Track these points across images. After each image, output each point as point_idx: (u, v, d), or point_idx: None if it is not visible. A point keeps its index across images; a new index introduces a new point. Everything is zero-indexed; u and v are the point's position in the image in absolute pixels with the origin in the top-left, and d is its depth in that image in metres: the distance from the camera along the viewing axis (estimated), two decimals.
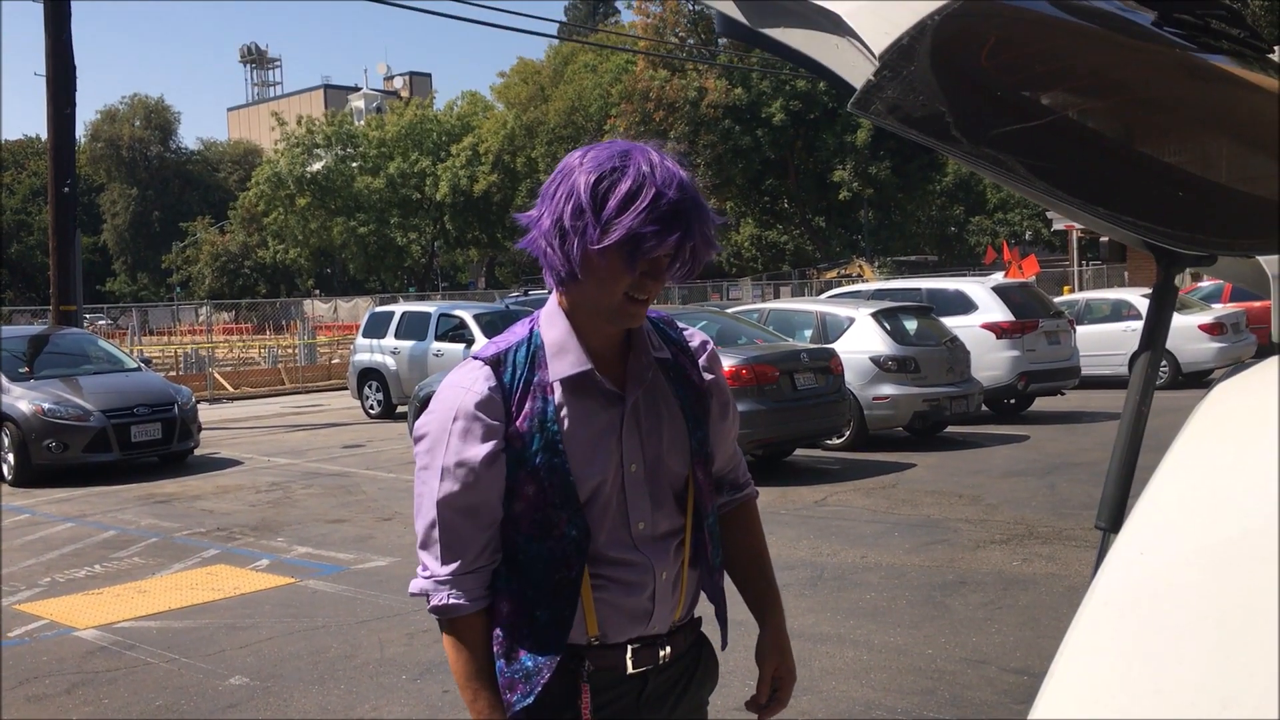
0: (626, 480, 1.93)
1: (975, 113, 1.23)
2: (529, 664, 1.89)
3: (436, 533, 1.90)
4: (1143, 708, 1.02)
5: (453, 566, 1.90)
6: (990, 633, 5.84)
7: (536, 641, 1.90)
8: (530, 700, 1.88)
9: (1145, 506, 1.16)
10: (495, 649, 1.92)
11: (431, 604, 1.92)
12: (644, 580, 1.93)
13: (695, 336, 2.11)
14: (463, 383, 1.90)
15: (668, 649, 2.00)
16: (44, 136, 20.50)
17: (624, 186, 1.75)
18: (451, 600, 1.90)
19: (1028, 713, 1.12)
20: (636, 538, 1.93)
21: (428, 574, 1.92)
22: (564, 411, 1.89)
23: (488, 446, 1.86)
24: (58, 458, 12.14)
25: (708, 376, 2.08)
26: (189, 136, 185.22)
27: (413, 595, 1.96)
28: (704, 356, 2.09)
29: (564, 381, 1.90)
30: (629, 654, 1.95)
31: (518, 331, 1.97)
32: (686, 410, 2.01)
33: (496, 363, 1.91)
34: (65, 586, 7.55)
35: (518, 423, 1.88)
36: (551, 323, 1.93)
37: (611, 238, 1.75)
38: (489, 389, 1.88)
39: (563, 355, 1.90)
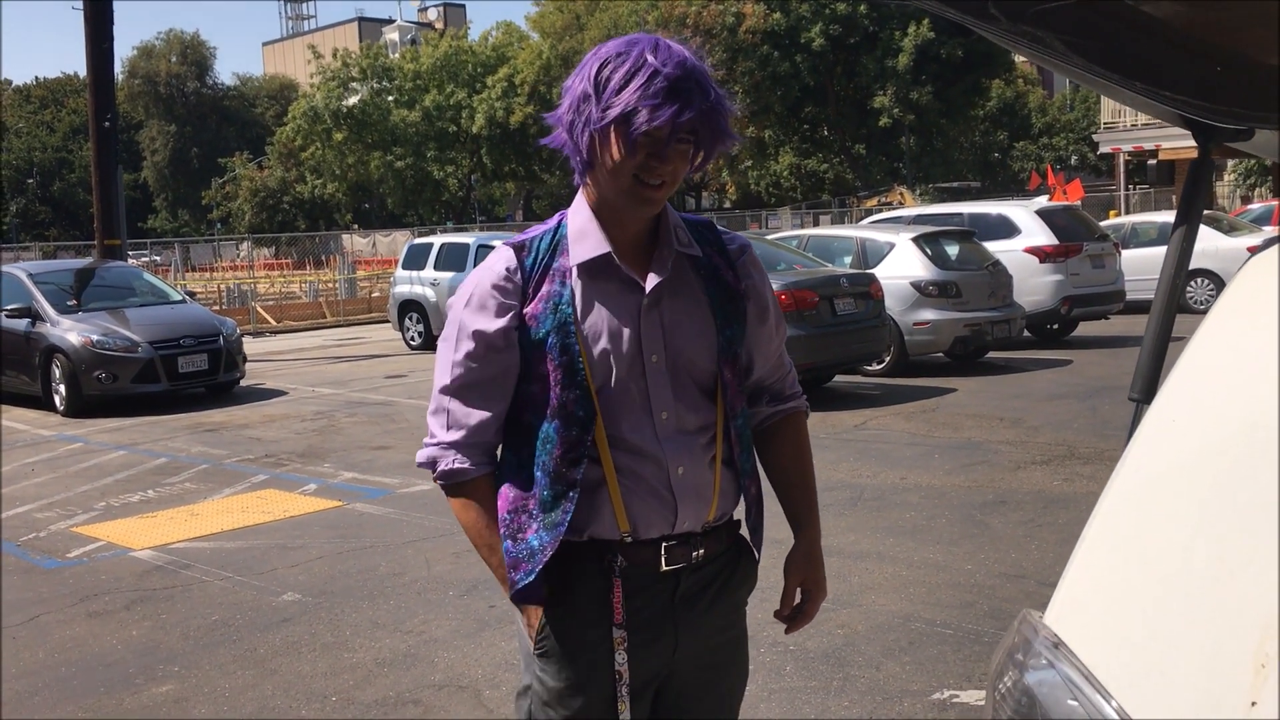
0: (648, 369, 1.96)
1: None
2: (534, 543, 1.96)
3: (446, 400, 2.01)
4: (1172, 566, 1.06)
5: (457, 435, 2.00)
6: (1030, 549, 5.88)
7: (541, 522, 1.95)
8: (531, 578, 1.95)
9: (1178, 378, 1.18)
10: (503, 531, 1.99)
11: (438, 469, 2.02)
12: (659, 473, 1.95)
13: (735, 240, 2.12)
14: (486, 264, 2.01)
15: (701, 549, 2.02)
16: (83, 74, 20.59)
17: (624, 67, 1.81)
18: (456, 465, 2.00)
19: None
20: (659, 429, 1.96)
21: (434, 440, 2.02)
22: (580, 296, 1.94)
23: (499, 323, 1.95)
24: (108, 388, 12.38)
25: (745, 279, 2.08)
26: (225, 72, 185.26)
27: (419, 465, 2.05)
28: (742, 259, 2.10)
29: (582, 266, 1.95)
30: (662, 551, 1.98)
31: (548, 222, 2.04)
32: (716, 308, 2.02)
33: (520, 247, 2.00)
34: (120, 510, 7.75)
35: (533, 304, 1.95)
36: (577, 212, 2.00)
37: (609, 115, 1.81)
38: (507, 269, 1.97)
39: (583, 240, 1.96)
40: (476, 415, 1.99)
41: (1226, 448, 1.09)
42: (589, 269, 1.95)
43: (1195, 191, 1.37)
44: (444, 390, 2.01)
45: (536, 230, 2.03)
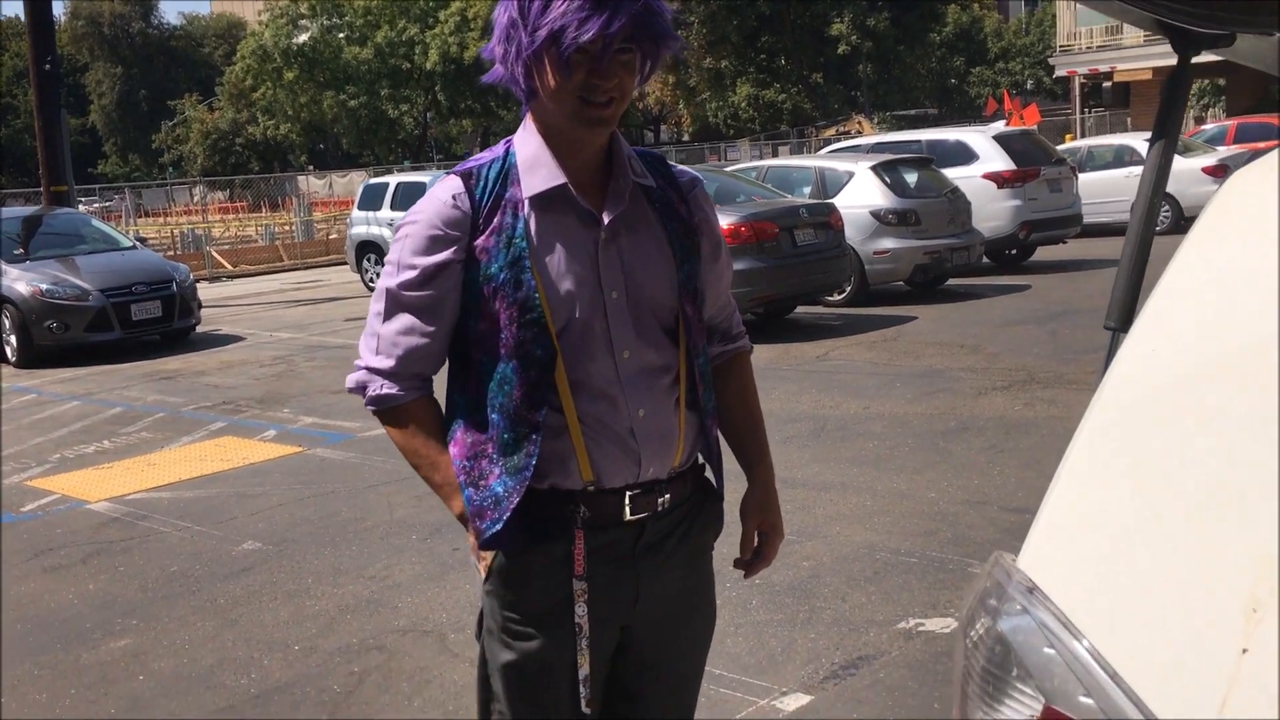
0: (608, 307, 1.87)
1: None
2: (498, 489, 1.88)
3: (379, 324, 1.93)
4: (1155, 504, 1.00)
5: (386, 363, 1.92)
6: (992, 475, 5.89)
7: (504, 467, 1.87)
8: (499, 527, 1.87)
9: (1156, 303, 1.12)
10: (462, 478, 1.91)
11: (368, 394, 1.95)
12: (621, 417, 1.87)
13: (685, 174, 2.05)
14: (433, 193, 1.90)
15: (666, 496, 1.95)
16: (22, 17, 20.01)
17: None
18: (385, 391, 1.93)
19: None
20: (621, 368, 1.88)
21: (362, 364, 1.95)
22: (534, 228, 1.85)
23: (441, 255, 1.86)
24: (59, 338, 12.15)
25: (698, 213, 2.01)
26: (171, 11, 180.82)
27: (349, 390, 1.98)
28: (694, 192, 2.02)
29: (536, 198, 1.85)
30: (626, 500, 1.91)
31: (495, 150, 1.93)
32: (674, 242, 1.94)
33: (468, 175, 1.89)
34: (75, 462, 7.61)
35: (483, 237, 1.85)
36: (525, 141, 1.90)
37: (539, 38, 1.73)
38: (454, 199, 1.87)
39: (535, 170, 1.86)
40: (407, 343, 1.91)
41: (1211, 375, 1.03)
42: (542, 201, 1.86)
43: (1173, 103, 1.29)
44: (377, 314, 1.94)
45: (483, 158, 1.92)
